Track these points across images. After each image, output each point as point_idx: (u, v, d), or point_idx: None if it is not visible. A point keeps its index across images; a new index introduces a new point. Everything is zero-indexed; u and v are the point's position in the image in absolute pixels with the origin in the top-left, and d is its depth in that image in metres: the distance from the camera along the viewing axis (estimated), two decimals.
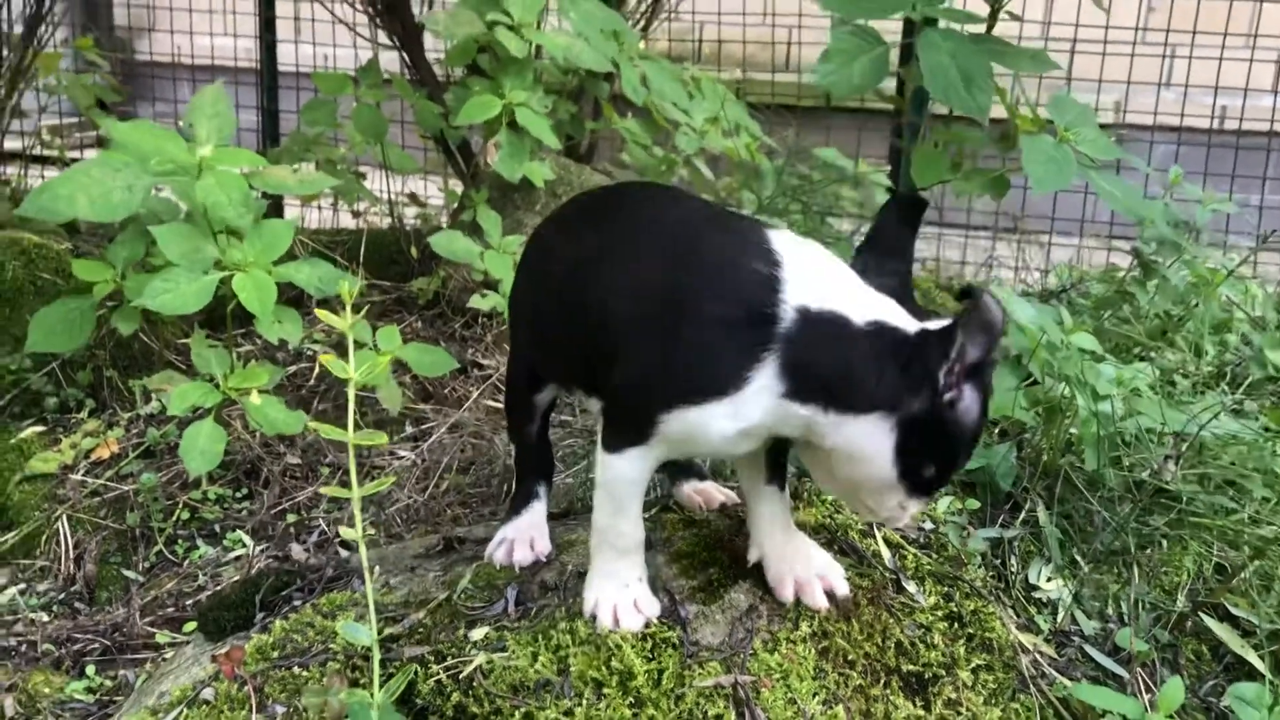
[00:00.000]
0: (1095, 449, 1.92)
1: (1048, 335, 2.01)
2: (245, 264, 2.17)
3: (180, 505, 2.37)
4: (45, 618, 2.16)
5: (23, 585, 2.28)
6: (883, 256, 1.42)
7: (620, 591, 1.43)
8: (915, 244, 1.49)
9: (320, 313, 1.33)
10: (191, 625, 1.98)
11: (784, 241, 1.37)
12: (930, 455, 1.33)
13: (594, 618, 1.42)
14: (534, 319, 1.60)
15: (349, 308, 1.34)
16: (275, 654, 1.41)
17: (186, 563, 2.26)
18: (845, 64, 1.94)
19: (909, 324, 1.32)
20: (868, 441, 1.31)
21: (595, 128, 3.60)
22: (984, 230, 4.18)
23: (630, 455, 1.37)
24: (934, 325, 1.32)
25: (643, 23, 3.94)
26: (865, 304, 1.33)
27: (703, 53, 4.60)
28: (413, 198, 3.83)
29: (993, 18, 2.19)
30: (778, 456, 1.48)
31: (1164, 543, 1.87)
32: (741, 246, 1.36)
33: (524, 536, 1.60)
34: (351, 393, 1.33)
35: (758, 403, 1.31)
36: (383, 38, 3.63)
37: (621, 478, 1.39)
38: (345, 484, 2.37)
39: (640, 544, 1.45)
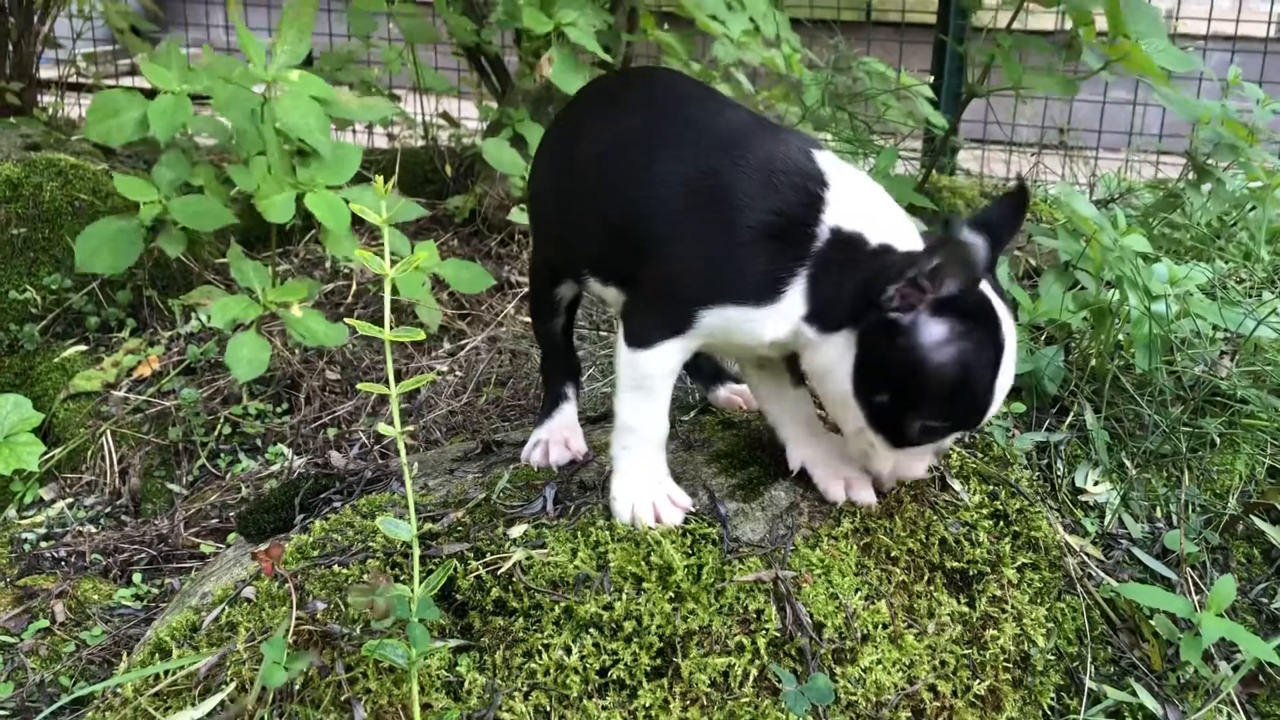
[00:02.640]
0: (1147, 349, 1.87)
1: (1103, 232, 1.95)
2: (318, 184, 2.18)
3: (221, 420, 2.38)
4: (93, 530, 2.19)
5: (70, 499, 2.31)
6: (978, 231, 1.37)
7: (654, 488, 1.41)
8: (1013, 236, 1.44)
9: (362, 253, 1.30)
10: (234, 535, 2.00)
11: (828, 160, 1.37)
12: (884, 380, 1.30)
13: (630, 518, 1.40)
14: (558, 207, 1.56)
15: (384, 204, 1.32)
16: (315, 553, 1.41)
17: (229, 475, 2.27)
18: None
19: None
20: (834, 356, 1.32)
21: (632, 39, 3.53)
22: (1029, 146, 4.07)
23: (665, 347, 1.35)
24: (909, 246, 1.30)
25: None
26: (887, 229, 1.31)
27: None
28: (446, 117, 3.79)
29: None
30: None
31: (1216, 444, 1.83)
32: (792, 159, 1.34)
33: (558, 437, 1.58)
34: (387, 287, 1.31)
35: (786, 319, 1.32)
36: None
37: (656, 370, 1.37)
38: (386, 397, 2.38)
39: (664, 441, 1.44)
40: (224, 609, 1.37)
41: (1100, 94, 3.89)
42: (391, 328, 1.29)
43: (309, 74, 2.19)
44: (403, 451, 1.29)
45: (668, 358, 1.36)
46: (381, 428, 1.26)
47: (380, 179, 1.33)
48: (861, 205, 1.33)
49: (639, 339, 1.36)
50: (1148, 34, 2.23)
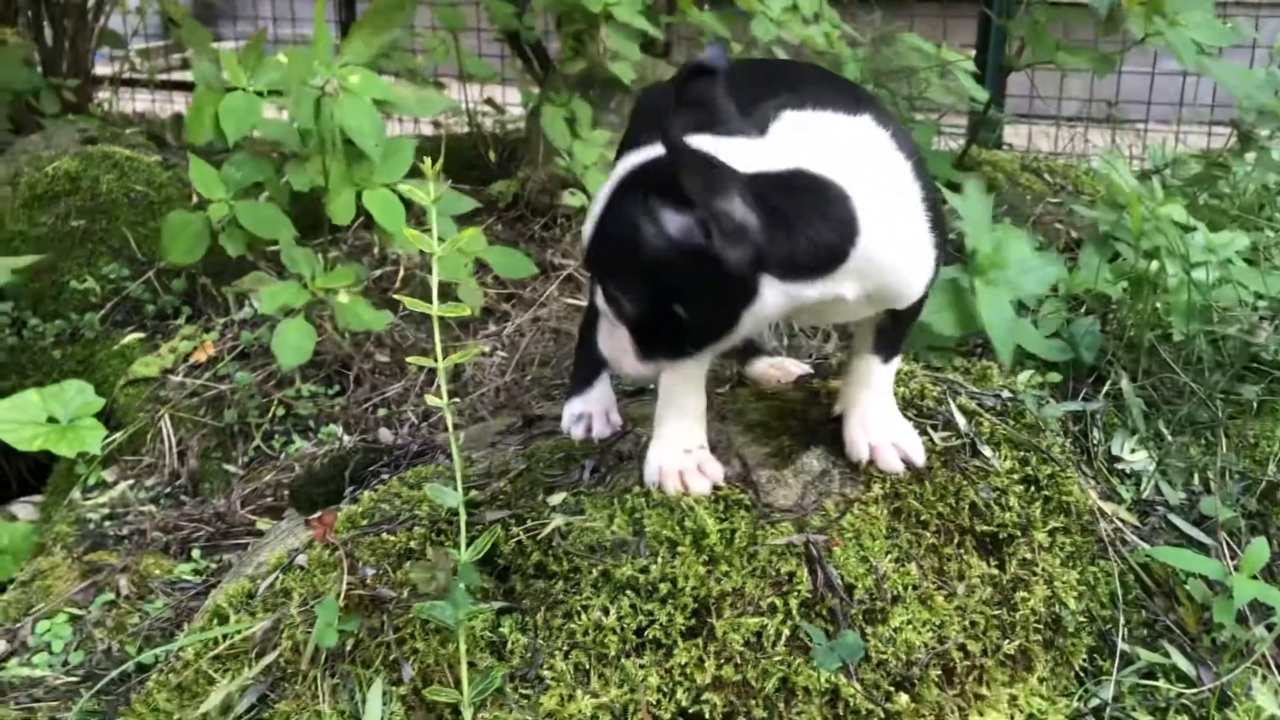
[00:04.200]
0: (1185, 316, 1.88)
1: (1141, 202, 1.95)
2: (374, 183, 2.25)
3: (275, 403, 2.45)
4: (153, 509, 2.27)
5: (131, 480, 2.39)
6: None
7: (683, 458, 1.44)
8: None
9: (411, 233, 1.35)
10: (290, 512, 2.07)
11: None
12: None
13: (659, 485, 1.43)
14: None
15: (431, 187, 1.36)
16: (364, 522, 1.46)
17: (283, 456, 2.34)
18: None
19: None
20: None
21: (672, 21, 3.55)
22: (1076, 120, 4.04)
23: None
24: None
25: None
26: None
27: None
28: (491, 103, 3.84)
29: None
30: (888, 329, 1.45)
31: (1255, 410, 1.83)
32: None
33: (599, 410, 1.62)
34: (435, 266, 1.36)
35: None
36: None
37: None
38: (434, 377, 2.43)
39: (703, 412, 1.46)
40: (278, 576, 1.43)
41: (1149, 65, 3.84)
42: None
43: (370, 74, 2.25)
44: (449, 420, 1.34)
45: None
46: (429, 399, 1.31)
47: (429, 162, 1.38)
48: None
49: None
50: (1189, 7, 2.21)
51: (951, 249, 2.26)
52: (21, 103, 3.65)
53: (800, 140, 1.28)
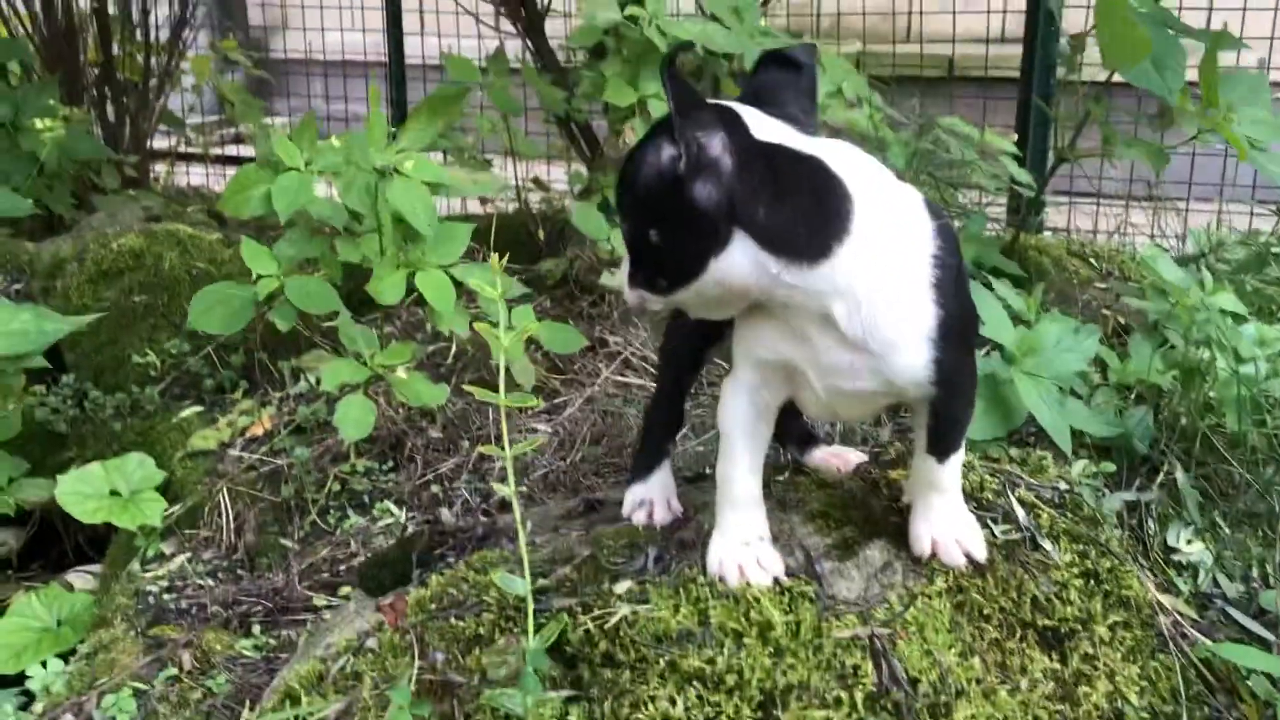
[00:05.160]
0: (1236, 410, 1.89)
1: (1189, 294, 1.98)
2: (427, 264, 2.32)
3: (331, 478, 2.50)
4: (211, 583, 2.31)
5: (189, 553, 2.43)
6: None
7: (743, 550, 1.46)
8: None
9: (480, 326, 1.40)
10: (346, 589, 2.10)
11: None
12: None
13: (720, 577, 1.45)
14: None
15: (498, 277, 1.41)
16: (433, 606, 1.49)
17: (338, 531, 2.38)
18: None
19: None
20: None
21: None
22: (1117, 199, 4.07)
23: (725, 392, 1.45)
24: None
25: None
26: None
27: (821, 26, 4.58)
28: (537, 182, 3.92)
29: None
30: (934, 428, 1.46)
31: None
32: None
33: (661, 497, 1.65)
34: (501, 358, 1.40)
35: None
36: (505, 25, 3.72)
37: (722, 422, 1.46)
38: (486, 454, 2.47)
39: (755, 499, 1.48)
40: (349, 659, 1.46)
41: (1190, 144, 3.87)
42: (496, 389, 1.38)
43: (424, 159, 2.32)
44: (516, 509, 1.38)
45: (729, 404, 1.45)
46: (497, 486, 1.35)
47: (495, 257, 1.43)
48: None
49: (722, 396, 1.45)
50: (1247, 101, 2.25)
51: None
52: (84, 178, 3.77)
53: (837, 151, 1.34)
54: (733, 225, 1.28)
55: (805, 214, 1.29)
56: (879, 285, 1.30)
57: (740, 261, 1.30)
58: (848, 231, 1.29)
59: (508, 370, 2.66)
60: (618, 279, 2.74)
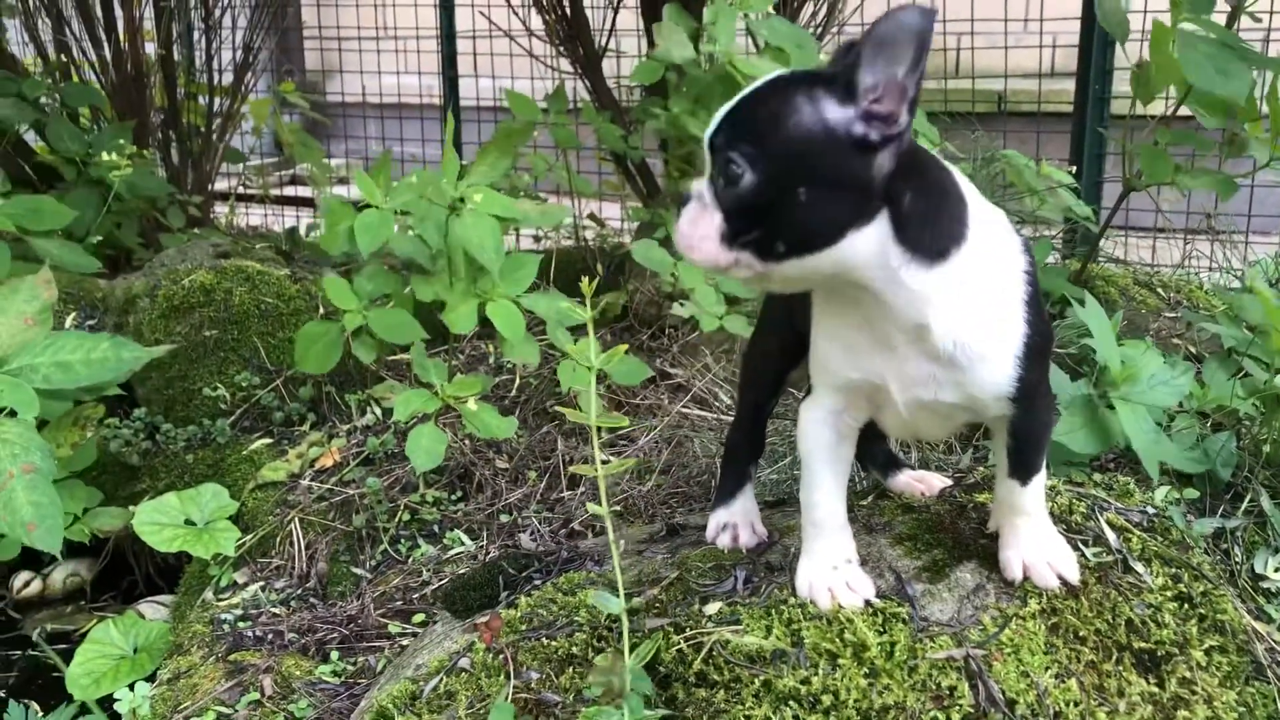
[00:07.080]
0: None
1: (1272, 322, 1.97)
2: (497, 294, 2.36)
3: (401, 508, 2.52)
4: (285, 611, 2.33)
5: (262, 582, 2.46)
6: None
7: (831, 574, 1.46)
8: None
9: (569, 347, 1.43)
10: (420, 616, 2.12)
11: None
12: None
13: (811, 600, 1.46)
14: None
15: (588, 302, 1.43)
16: (524, 626, 1.50)
17: (410, 560, 2.40)
18: None
19: None
20: None
21: None
22: (1176, 233, 4.05)
23: (803, 416, 1.46)
24: None
25: (817, 34, 3.99)
26: None
27: None
28: (594, 218, 3.97)
29: (1234, 17, 2.22)
30: (1014, 451, 1.45)
31: None
32: None
33: (744, 521, 1.66)
34: (593, 379, 1.42)
35: None
36: (563, 65, 3.79)
37: (801, 443, 1.47)
38: (553, 485, 2.49)
39: (841, 523, 1.48)
40: (441, 678, 1.47)
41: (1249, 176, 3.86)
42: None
43: (493, 193, 2.36)
44: (609, 527, 1.39)
45: (809, 429, 1.45)
46: (590, 506, 1.36)
47: (586, 281, 1.45)
48: None
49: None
50: None
51: (1070, 362, 2.28)
52: (150, 217, 3.85)
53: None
54: (883, 202, 1.24)
55: (936, 210, 1.27)
56: (978, 297, 1.30)
57: (871, 242, 1.24)
58: (964, 238, 1.29)
59: (570, 398, 2.69)
60: (689, 309, 2.79)
